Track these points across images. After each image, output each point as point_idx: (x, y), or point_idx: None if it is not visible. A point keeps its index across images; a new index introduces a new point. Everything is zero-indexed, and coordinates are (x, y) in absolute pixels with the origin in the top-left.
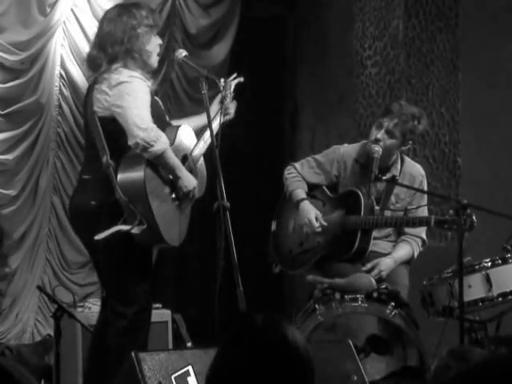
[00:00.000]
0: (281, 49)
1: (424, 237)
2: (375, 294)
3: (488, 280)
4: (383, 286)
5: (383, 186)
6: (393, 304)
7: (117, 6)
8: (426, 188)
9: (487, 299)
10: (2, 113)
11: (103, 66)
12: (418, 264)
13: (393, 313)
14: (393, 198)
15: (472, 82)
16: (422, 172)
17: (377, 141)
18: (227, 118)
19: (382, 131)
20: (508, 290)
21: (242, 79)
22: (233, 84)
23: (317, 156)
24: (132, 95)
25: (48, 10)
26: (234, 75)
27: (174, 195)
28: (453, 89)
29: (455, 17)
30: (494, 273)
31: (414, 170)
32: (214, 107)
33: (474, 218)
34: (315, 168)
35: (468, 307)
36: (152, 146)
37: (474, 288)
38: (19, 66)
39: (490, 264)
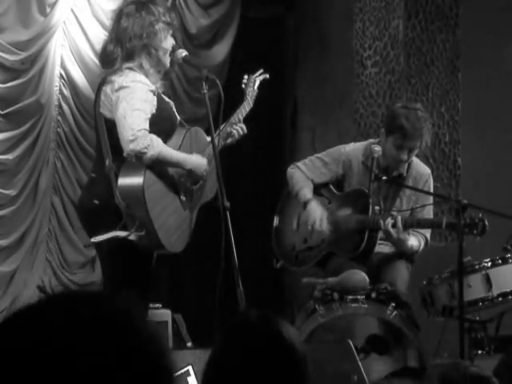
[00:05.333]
0: (281, 49)
1: (428, 237)
2: (374, 295)
3: (488, 280)
4: (382, 287)
5: (392, 187)
6: (393, 305)
7: (134, 2)
8: (431, 187)
9: (487, 299)
10: (2, 113)
11: (117, 64)
12: (418, 264)
13: (393, 314)
14: (404, 200)
15: (472, 82)
16: (429, 171)
17: (401, 161)
18: (247, 108)
19: (406, 151)
20: (508, 290)
21: (267, 76)
22: (258, 80)
23: (320, 155)
24: (129, 102)
25: (48, 9)
26: (260, 71)
27: (179, 198)
28: (453, 89)
29: (455, 17)
30: (494, 273)
31: (420, 169)
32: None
33: (486, 222)
34: (321, 168)
35: (468, 307)
36: (144, 153)
37: (474, 288)
38: (19, 65)
39: (489, 264)
